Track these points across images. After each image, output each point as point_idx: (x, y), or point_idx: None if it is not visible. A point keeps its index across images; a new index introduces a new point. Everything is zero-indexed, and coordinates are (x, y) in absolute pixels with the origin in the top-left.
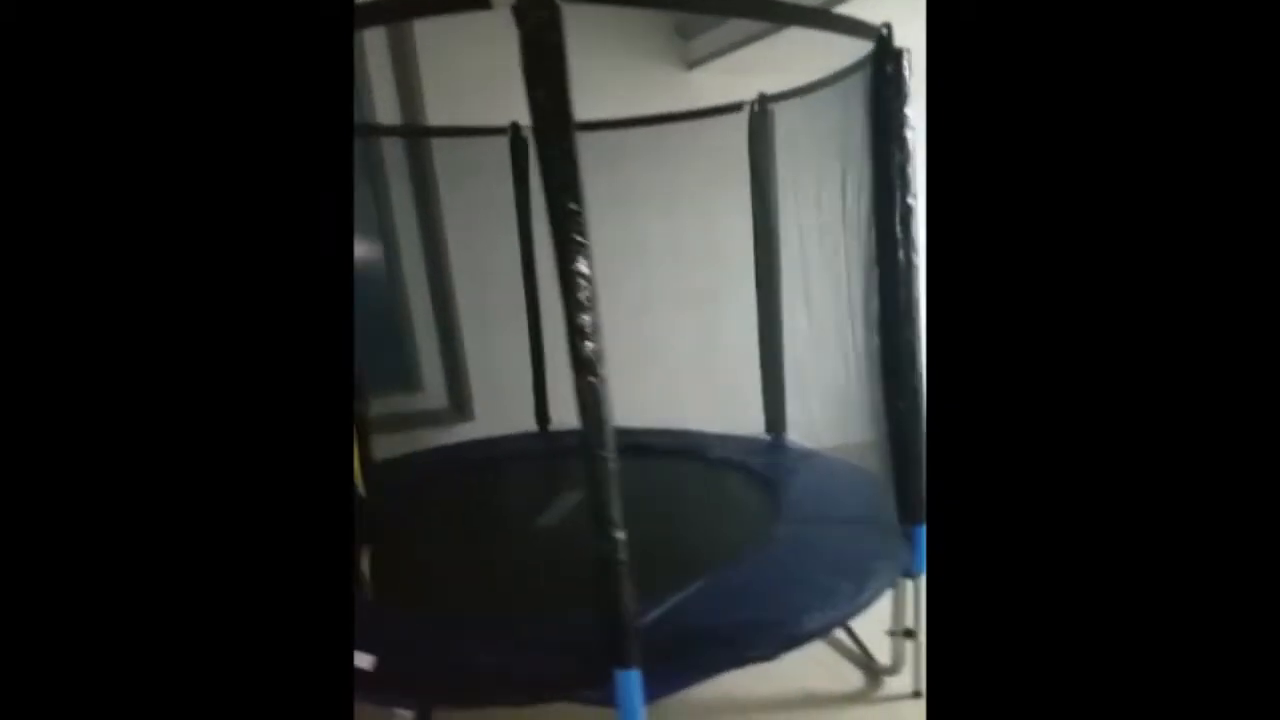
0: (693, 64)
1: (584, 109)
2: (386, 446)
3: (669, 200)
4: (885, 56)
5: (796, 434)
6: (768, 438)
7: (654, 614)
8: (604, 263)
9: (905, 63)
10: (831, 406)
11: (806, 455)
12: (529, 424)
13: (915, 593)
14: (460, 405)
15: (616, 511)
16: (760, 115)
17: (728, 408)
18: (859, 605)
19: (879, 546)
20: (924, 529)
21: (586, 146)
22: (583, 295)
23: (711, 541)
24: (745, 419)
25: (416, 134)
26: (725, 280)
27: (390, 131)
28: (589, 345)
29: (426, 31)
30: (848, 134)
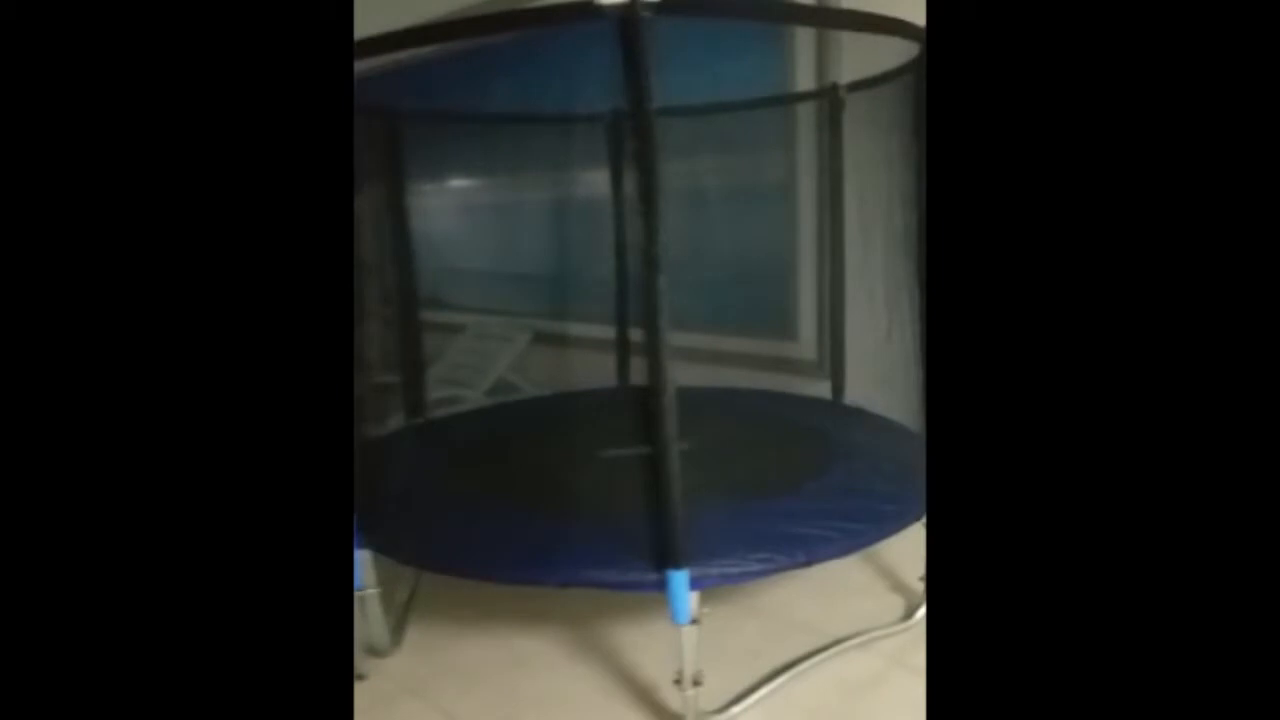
0: None
1: None
2: (766, 383)
3: None
4: None
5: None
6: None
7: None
8: None
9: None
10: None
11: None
12: (874, 388)
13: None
14: (825, 360)
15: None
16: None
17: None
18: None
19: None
20: (684, 575)
21: None
22: None
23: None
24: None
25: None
26: None
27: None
28: None
29: None
30: None
